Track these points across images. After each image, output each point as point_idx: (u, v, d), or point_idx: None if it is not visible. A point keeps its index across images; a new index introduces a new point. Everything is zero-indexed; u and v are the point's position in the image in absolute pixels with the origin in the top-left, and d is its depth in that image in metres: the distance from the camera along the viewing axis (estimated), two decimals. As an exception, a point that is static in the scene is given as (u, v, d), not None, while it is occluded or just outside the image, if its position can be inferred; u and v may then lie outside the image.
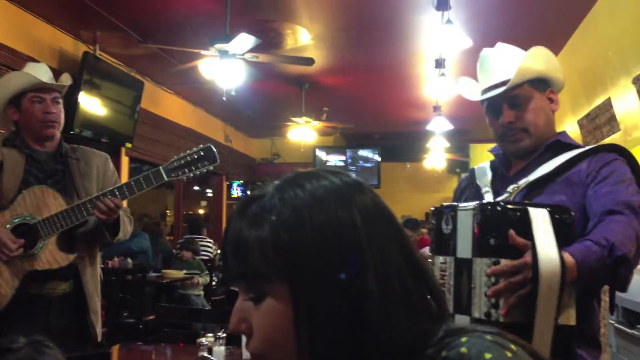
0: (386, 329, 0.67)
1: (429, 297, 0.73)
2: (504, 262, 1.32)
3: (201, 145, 2.37)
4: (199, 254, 6.55)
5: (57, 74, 2.56)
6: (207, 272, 6.33)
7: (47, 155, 2.39)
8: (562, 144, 1.65)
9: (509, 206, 1.39)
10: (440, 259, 1.48)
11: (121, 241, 2.48)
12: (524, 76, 1.63)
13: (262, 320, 0.71)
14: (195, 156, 2.33)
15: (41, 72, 2.41)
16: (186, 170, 2.33)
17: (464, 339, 0.67)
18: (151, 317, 5.07)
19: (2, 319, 2.20)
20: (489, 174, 1.74)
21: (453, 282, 1.43)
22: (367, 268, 0.68)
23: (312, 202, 0.70)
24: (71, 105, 5.20)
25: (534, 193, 1.57)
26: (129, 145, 6.26)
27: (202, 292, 6.28)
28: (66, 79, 2.48)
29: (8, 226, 2.23)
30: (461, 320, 1.37)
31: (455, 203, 1.53)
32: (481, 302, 1.34)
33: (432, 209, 1.56)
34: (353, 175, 0.79)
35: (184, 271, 6.05)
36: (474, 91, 1.79)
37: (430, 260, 1.52)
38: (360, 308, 0.67)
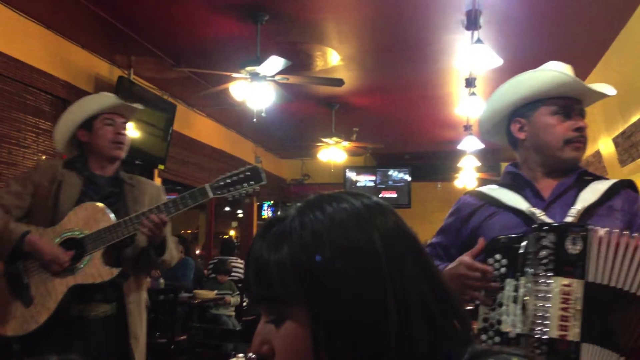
0: (407, 353, 0.66)
1: (453, 319, 0.72)
2: None
3: (248, 166, 2.39)
4: (230, 275, 6.60)
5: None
6: (237, 292, 6.35)
7: (104, 179, 2.45)
8: (589, 173, 1.69)
9: None
10: (563, 280, 1.36)
11: (167, 266, 2.47)
12: (596, 97, 1.69)
13: (283, 343, 0.70)
14: (242, 175, 2.34)
15: (113, 98, 2.49)
16: (231, 189, 2.33)
17: None
18: (183, 337, 5.09)
19: (41, 339, 2.21)
20: (518, 195, 1.66)
21: (581, 307, 1.34)
22: (387, 292, 0.67)
23: (331, 225, 0.70)
24: (106, 128, 5.32)
25: (584, 217, 1.55)
26: (161, 167, 6.36)
27: (233, 313, 6.30)
28: (137, 105, 2.56)
29: (57, 240, 2.26)
30: (594, 351, 1.31)
31: (585, 224, 1.43)
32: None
33: (538, 224, 1.43)
34: (379, 196, 0.78)
35: (216, 291, 6.08)
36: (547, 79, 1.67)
37: (536, 280, 1.38)
38: (380, 332, 0.66)
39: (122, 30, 4.76)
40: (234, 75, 4.76)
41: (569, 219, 1.53)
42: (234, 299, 6.27)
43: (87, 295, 2.29)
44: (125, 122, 2.50)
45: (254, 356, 0.74)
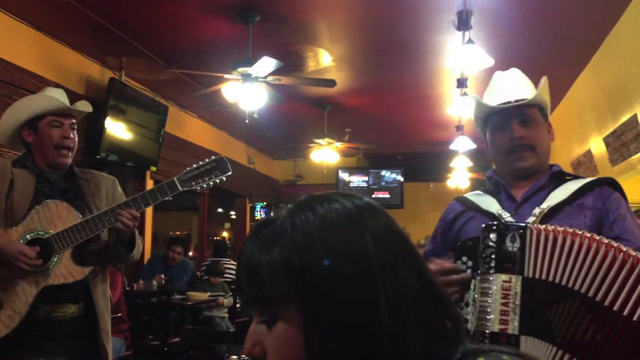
0: (400, 353, 0.67)
1: (445, 319, 0.72)
2: None
3: (213, 157, 2.39)
4: (223, 276, 6.58)
5: (83, 99, 2.58)
6: (230, 294, 6.34)
7: (57, 175, 2.38)
8: (563, 173, 1.74)
9: None
10: (503, 277, 1.41)
11: (134, 260, 2.46)
12: (539, 99, 1.72)
13: (275, 344, 0.70)
14: (208, 167, 2.35)
15: (60, 97, 2.40)
16: (199, 180, 2.34)
17: (480, 359, 0.66)
18: (176, 340, 5.08)
19: (11, 342, 2.16)
20: (494, 199, 1.74)
21: (520, 302, 1.38)
22: (379, 292, 0.67)
23: (322, 226, 0.70)
24: (97, 130, 5.30)
25: (550, 216, 1.62)
26: (153, 168, 6.35)
27: (226, 314, 6.29)
28: (86, 106, 2.47)
29: (21, 241, 2.20)
30: (532, 344, 1.34)
31: (522, 223, 1.47)
32: None
33: (485, 225, 1.48)
34: (372, 197, 0.78)
35: (209, 293, 6.07)
36: (481, 106, 1.82)
37: (479, 277, 1.44)
38: (372, 332, 0.66)
39: (113, 32, 4.75)
40: (226, 76, 4.76)
41: (530, 219, 1.60)
42: (227, 301, 6.25)
43: (54, 296, 2.24)
44: (73, 123, 2.40)
45: (246, 358, 0.74)
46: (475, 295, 1.45)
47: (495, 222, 1.52)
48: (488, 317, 1.40)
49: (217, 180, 2.38)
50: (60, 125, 2.35)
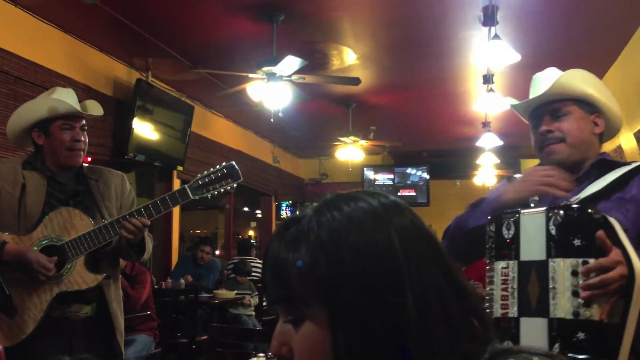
0: (427, 353, 0.66)
1: (473, 318, 0.71)
2: (594, 261, 1.33)
3: (224, 163, 2.38)
4: (250, 275, 6.62)
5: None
6: (257, 293, 6.38)
7: (67, 177, 2.40)
8: (607, 162, 1.68)
9: (590, 210, 1.39)
10: (502, 263, 1.47)
11: (145, 261, 2.48)
12: (562, 88, 1.68)
13: (302, 344, 0.70)
14: (219, 174, 2.35)
15: (70, 98, 2.39)
16: (210, 187, 2.34)
17: None
18: (204, 337, 5.12)
19: (27, 343, 2.20)
20: None
21: (517, 285, 1.43)
22: (406, 291, 0.67)
23: (349, 225, 0.69)
24: (125, 130, 5.37)
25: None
26: (180, 168, 6.41)
27: (253, 312, 6.33)
28: (96, 108, 2.47)
29: (35, 248, 2.22)
30: (532, 323, 1.37)
31: (516, 209, 1.51)
32: (565, 302, 1.34)
33: (489, 217, 1.53)
34: (396, 195, 0.77)
35: (235, 291, 6.11)
36: (516, 108, 1.84)
37: (487, 267, 1.49)
38: (398, 332, 0.66)
39: (139, 33, 4.81)
40: (251, 75, 4.78)
41: None
42: (254, 300, 6.29)
43: (68, 298, 2.27)
44: (84, 125, 2.41)
45: (274, 357, 0.73)
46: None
47: (495, 213, 1.55)
48: (492, 304, 1.46)
49: (228, 188, 2.38)
50: (71, 128, 2.35)
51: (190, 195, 2.33)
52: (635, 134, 5.58)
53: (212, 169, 2.36)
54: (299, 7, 4.40)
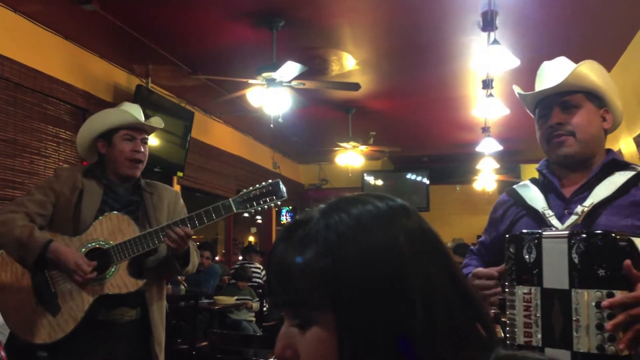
0: (431, 358, 0.66)
1: (477, 323, 0.71)
2: (620, 294, 1.27)
3: (270, 181, 2.40)
4: (251, 281, 6.61)
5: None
6: (257, 298, 6.36)
7: (124, 188, 2.49)
8: (618, 162, 1.63)
9: (615, 236, 1.31)
10: (524, 289, 1.41)
11: (189, 274, 2.52)
12: (577, 80, 1.63)
13: (308, 348, 0.69)
14: (264, 190, 2.37)
15: (136, 112, 2.51)
16: (254, 203, 2.36)
17: None
18: (204, 344, 5.11)
19: (69, 344, 2.25)
20: (540, 195, 1.67)
21: (541, 314, 1.37)
22: (413, 294, 0.66)
23: (357, 227, 0.69)
24: (125, 136, 5.37)
25: (597, 212, 1.53)
26: (180, 174, 6.41)
27: (253, 318, 6.31)
28: (158, 122, 2.57)
29: (83, 250, 2.30)
30: (556, 354, 1.32)
31: (537, 230, 1.45)
32: (590, 335, 1.28)
33: (508, 236, 1.48)
34: (400, 199, 0.77)
35: (235, 297, 6.10)
36: (522, 97, 1.78)
37: (507, 290, 1.44)
38: (404, 336, 0.66)
39: (139, 39, 4.81)
40: (251, 81, 4.78)
41: (573, 218, 1.53)
42: (255, 305, 6.29)
43: (112, 301, 2.33)
44: (145, 138, 2.51)
45: (277, 361, 0.73)
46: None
47: (515, 233, 1.49)
48: (514, 330, 1.40)
49: (272, 205, 2.39)
50: (132, 139, 2.45)
51: (234, 208, 2.35)
52: (635, 139, 5.59)
53: (258, 185, 2.38)
54: (299, 13, 4.41)
